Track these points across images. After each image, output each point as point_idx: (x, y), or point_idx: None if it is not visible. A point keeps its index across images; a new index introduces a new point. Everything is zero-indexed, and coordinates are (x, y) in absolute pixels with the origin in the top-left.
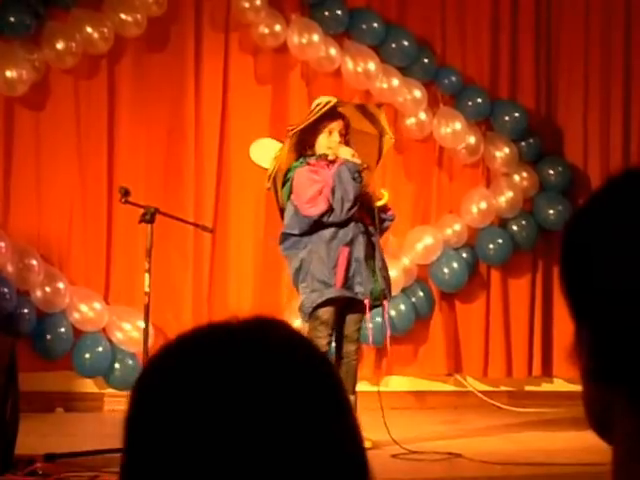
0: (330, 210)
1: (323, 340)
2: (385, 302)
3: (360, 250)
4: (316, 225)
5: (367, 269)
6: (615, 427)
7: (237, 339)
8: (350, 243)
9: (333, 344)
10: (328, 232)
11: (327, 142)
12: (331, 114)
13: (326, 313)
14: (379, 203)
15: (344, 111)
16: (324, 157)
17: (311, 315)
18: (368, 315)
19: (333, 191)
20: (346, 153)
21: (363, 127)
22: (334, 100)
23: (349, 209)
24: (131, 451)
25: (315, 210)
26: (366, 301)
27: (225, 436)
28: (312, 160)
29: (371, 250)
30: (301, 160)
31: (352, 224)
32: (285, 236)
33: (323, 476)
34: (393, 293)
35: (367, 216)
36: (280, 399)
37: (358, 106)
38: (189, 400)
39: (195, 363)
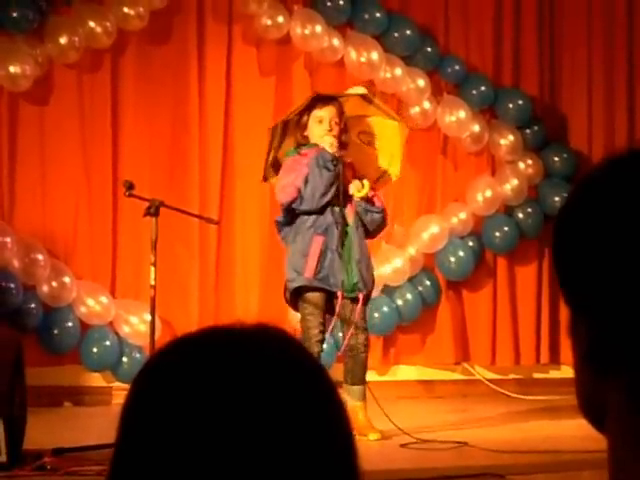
0: (299, 198)
1: (314, 329)
2: (360, 295)
3: (333, 240)
4: (291, 213)
5: (340, 260)
6: (609, 420)
7: (235, 345)
8: (324, 232)
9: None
10: (309, 221)
11: (318, 131)
12: (322, 103)
13: (312, 300)
14: (358, 194)
15: (349, 102)
16: (314, 146)
17: (299, 302)
18: (338, 307)
19: (307, 179)
20: (325, 142)
21: (374, 114)
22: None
23: (320, 197)
24: (123, 445)
25: (284, 197)
26: (339, 293)
27: (210, 437)
28: (304, 149)
29: (348, 241)
30: (294, 149)
31: (328, 213)
32: (278, 225)
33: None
34: (399, 282)
35: (351, 206)
36: (269, 405)
37: (362, 96)
38: (181, 399)
39: (188, 364)
